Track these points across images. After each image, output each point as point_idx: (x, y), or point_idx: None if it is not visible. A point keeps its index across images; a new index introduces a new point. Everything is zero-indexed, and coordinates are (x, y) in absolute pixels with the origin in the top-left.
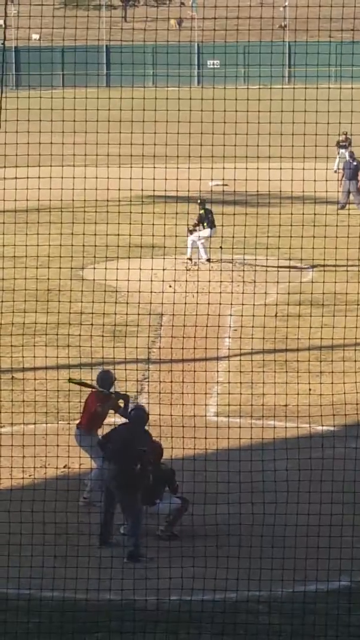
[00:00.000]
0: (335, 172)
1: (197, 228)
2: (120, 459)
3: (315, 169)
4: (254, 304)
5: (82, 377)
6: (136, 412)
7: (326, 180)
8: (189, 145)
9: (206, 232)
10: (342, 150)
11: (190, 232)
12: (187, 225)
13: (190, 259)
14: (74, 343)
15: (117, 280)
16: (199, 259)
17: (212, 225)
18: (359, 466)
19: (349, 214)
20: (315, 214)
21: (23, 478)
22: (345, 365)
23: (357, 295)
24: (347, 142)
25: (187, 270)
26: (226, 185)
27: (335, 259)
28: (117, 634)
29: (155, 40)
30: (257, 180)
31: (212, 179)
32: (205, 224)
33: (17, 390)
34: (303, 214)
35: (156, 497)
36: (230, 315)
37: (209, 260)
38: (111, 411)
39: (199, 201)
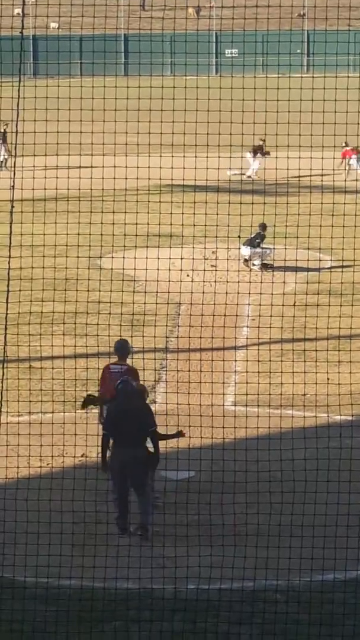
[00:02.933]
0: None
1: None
2: (132, 443)
3: (334, 158)
4: (272, 293)
5: (100, 365)
6: (124, 385)
7: (345, 169)
8: (207, 134)
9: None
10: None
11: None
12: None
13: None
14: (91, 332)
15: (135, 269)
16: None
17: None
18: None
19: None
20: (333, 203)
21: (41, 467)
22: None
23: None
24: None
25: (205, 259)
26: (243, 174)
27: (354, 248)
28: (134, 623)
29: (173, 29)
30: (276, 169)
31: (230, 168)
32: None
33: (34, 379)
34: (322, 203)
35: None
36: (249, 304)
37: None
38: None
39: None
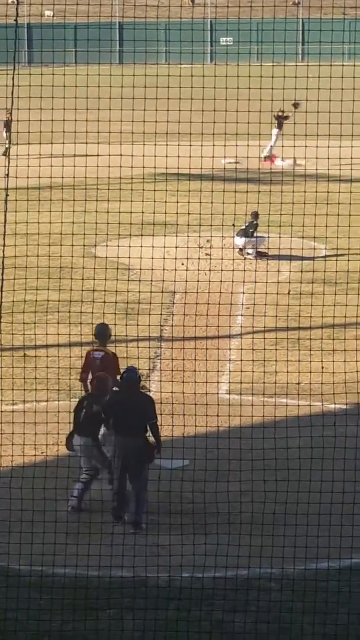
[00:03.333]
0: None
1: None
2: (131, 432)
3: (328, 147)
4: (266, 282)
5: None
6: (128, 374)
7: (339, 158)
8: (202, 122)
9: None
10: None
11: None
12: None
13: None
14: (86, 321)
15: (129, 258)
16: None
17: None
18: None
19: None
20: (328, 192)
21: (35, 455)
22: (358, 344)
23: None
24: None
25: (199, 248)
26: (238, 162)
27: (349, 237)
28: (129, 611)
29: (168, 17)
30: (272, 157)
31: (224, 157)
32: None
33: (29, 368)
34: (316, 191)
35: (93, 431)
36: (243, 293)
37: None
38: None
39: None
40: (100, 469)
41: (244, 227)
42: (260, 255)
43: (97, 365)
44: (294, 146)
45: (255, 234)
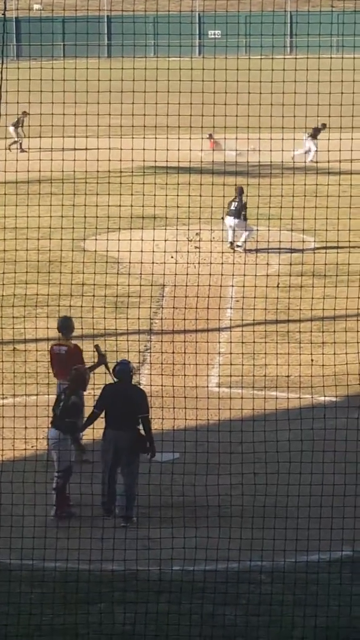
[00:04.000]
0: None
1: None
2: (123, 424)
3: (318, 139)
4: (256, 275)
5: (83, 347)
6: (121, 367)
7: (328, 151)
8: (191, 115)
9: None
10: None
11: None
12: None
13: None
14: (75, 314)
15: (118, 251)
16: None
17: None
18: None
19: (351, 185)
20: (317, 184)
21: (25, 449)
22: (347, 336)
23: None
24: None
25: (189, 241)
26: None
27: (338, 230)
28: (120, 604)
29: (156, 10)
30: (259, 150)
31: (202, 150)
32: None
33: (19, 362)
34: (305, 184)
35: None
36: (232, 286)
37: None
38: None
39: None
40: (74, 463)
41: (233, 208)
42: (249, 250)
43: (64, 359)
44: (282, 139)
45: (245, 215)
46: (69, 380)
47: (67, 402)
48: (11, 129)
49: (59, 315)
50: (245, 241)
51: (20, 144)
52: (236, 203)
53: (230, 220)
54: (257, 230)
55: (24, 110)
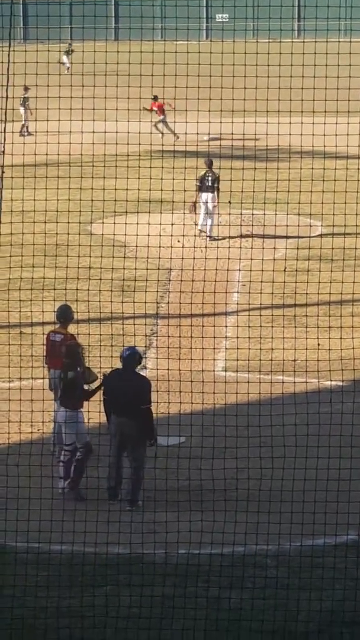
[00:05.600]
0: None
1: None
2: (127, 412)
3: (324, 124)
4: (262, 259)
5: (91, 331)
6: (130, 354)
7: (335, 135)
8: (198, 99)
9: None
10: None
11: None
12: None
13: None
14: (82, 298)
15: (125, 235)
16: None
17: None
18: None
19: (358, 169)
20: (324, 168)
21: (32, 432)
22: (354, 320)
23: None
24: None
25: (195, 224)
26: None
27: (345, 214)
28: (125, 588)
29: None
30: (267, 134)
31: (209, 134)
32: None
33: (25, 345)
34: (312, 168)
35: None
36: (239, 270)
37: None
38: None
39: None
40: (80, 443)
41: (207, 184)
42: (214, 238)
43: (58, 348)
44: (290, 123)
45: (219, 187)
46: (64, 356)
47: (65, 378)
48: (22, 110)
49: (65, 298)
50: (211, 226)
51: (27, 127)
52: (210, 177)
53: (206, 196)
54: (220, 215)
55: (24, 85)
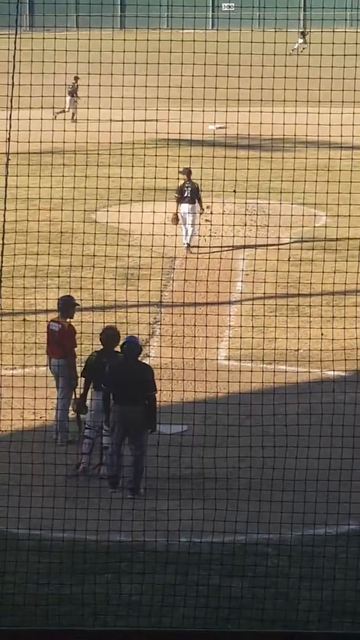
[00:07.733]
0: None
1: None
2: (130, 400)
3: (330, 114)
4: (266, 248)
5: (94, 319)
6: (129, 344)
7: (341, 125)
8: (204, 88)
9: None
10: None
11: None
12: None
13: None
14: (86, 286)
15: (130, 223)
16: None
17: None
18: None
19: None
20: (329, 158)
21: (34, 420)
22: (357, 311)
23: None
24: None
25: (200, 213)
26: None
27: (349, 204)
28: (126, 575)
29: None
30: (272, 124)
31: (214, 122)
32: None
33: (29, 333)
34: (317, 158)
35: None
36: (243, 259)
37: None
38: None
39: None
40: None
41: (188, 194)
42: (193, 247)
43: (57, 338)
44: (295, 112)
45: (200, 198)
46: (102, 343)
47: (102, 365)
48: (68, 98)
49: (69, 286)
50: (191, 237)
51: (74, 113)
52: (189, 188)
53: (185, 207)
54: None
55: (75, 76)
